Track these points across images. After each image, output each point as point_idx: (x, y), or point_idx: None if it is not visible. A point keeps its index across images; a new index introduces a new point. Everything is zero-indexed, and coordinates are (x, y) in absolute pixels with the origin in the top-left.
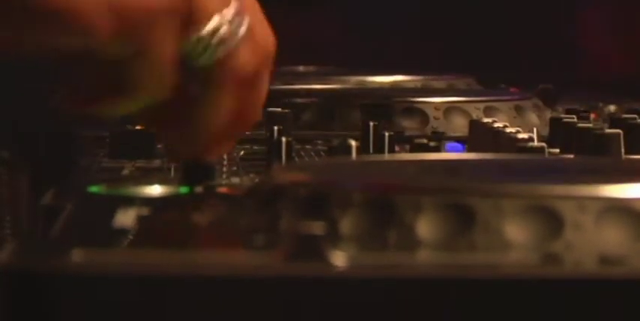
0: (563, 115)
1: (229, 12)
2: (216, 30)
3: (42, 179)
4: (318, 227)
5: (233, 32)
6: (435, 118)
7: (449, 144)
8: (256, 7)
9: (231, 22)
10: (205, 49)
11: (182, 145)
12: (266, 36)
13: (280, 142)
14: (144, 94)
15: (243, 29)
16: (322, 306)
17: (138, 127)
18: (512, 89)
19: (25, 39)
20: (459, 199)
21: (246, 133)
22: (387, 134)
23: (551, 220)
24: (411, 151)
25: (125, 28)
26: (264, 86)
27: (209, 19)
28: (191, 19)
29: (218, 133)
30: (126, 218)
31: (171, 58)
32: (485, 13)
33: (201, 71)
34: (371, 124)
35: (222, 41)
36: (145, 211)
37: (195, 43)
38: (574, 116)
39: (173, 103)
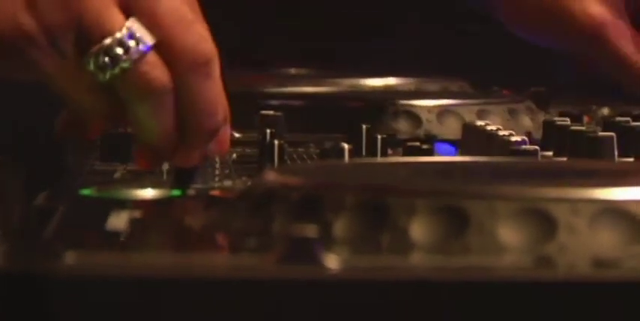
0: (556, 118)
1: (122, 33)
2: (109, 48)
3: (35, 181)
4: (311, 230)
5: (131, 49)
6: (428, 121)
7: (438, 144)
8: (185, 19)
9: (121, 40)
10: (103, 66)
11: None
12: (195, 43)
13: (273, 144)
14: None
15: (143, 44)
16: (315, 308)
17: (130, 130)
18: (504, 92)
19: None
20: (453, 201)
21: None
22: (379, 137)
23: (544, 223)
24: (404, 153)
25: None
26: (204, 88)
27: (100, 40)
28: (80, 41)
29: (173, 141)
30: (118, 221)
31: (69, 77)
32: (477, 15)
33: (112, 86)
34: (364, 127)
35: (118, 57)
36: (136, 213)
37: (89, 62)
38: (567, 119)
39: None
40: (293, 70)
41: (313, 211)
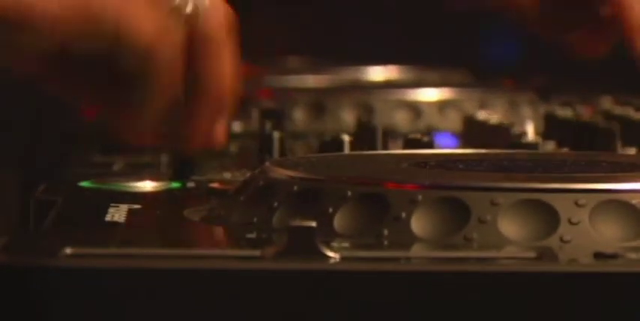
0: (558, 109)
1: None
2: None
3: (33, 173)
4: (311, 222)
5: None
6: (429, 114)
7: (438, 135)
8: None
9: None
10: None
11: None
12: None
13: (273, 137)
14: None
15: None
16: (315, 300)
17: None
18: (506, 82)
19: None
20: (453, 194)
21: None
22: (379, 129)
23: (545, 215)
24: (405, 146)
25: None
26: (226, 59)
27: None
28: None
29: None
30: (117, 213)
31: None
32: None
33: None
34: (364, 119)
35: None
36: (136, 205)
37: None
38: (569, 110)
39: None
40: (293, 61)
41: (313, 204)
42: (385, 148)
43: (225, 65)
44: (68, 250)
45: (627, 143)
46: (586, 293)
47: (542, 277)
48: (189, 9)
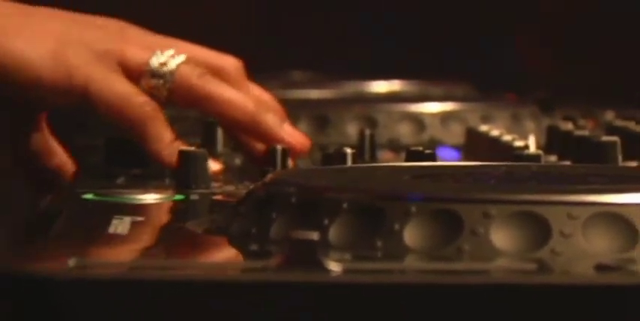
0: (560, 123)
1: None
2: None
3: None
4: (312, 234)
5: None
6: (432, 126)
7: (440, 148)
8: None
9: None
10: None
11: None
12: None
13: (275, 149)
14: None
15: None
16: (317, 311)
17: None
18: (509, 96)
19: None
20: (446, 206)
21: None
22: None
23: (538, 227)
24: (407, 158)
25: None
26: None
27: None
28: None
29: None
30: (121, 225)
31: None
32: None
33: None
34: (367, 132)
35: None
36: (139, 218)
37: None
38: (571, 123)
39: None
40: (297, 74)
41: (309, 216)
42: (386, 160)
43: (223, 100)
44: (72, 262)
45: (628, 156)
46: (579, 305)
47: (534, 289)
48: (164, 69)
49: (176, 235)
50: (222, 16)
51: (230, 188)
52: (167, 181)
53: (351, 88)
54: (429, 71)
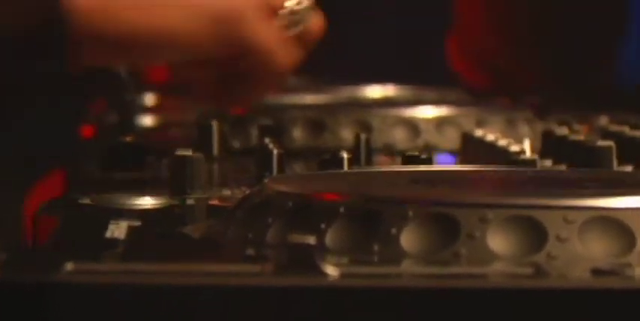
0: (555, 127)
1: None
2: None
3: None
4: (309, 238)
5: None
6: (427, 131)
7: (440, 156)
8: None
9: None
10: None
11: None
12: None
13: (272, 154)
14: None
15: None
16: (314, 316)
17: (129, 139)
18: (503, 100)
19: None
20: (443, 210)
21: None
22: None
23: (534, 231)
24: (403, 163)
25: (223, 32)
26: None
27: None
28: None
29: None
30: (117, 230)
31: (276, 40)
32: None
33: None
34: (362, 136)
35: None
36: (135, 222)
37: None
38: (566, 128)
39: None
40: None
41: (306, 220)
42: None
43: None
44: (69, 266)
45: (623, 161)
46: (576, 309)
47: (530, 293)
48: (298, 13)
49: (172, 239)
50: None
51: (226, 193)
52: (163, 186)
53: (346, 92)
54: (424, 76)
